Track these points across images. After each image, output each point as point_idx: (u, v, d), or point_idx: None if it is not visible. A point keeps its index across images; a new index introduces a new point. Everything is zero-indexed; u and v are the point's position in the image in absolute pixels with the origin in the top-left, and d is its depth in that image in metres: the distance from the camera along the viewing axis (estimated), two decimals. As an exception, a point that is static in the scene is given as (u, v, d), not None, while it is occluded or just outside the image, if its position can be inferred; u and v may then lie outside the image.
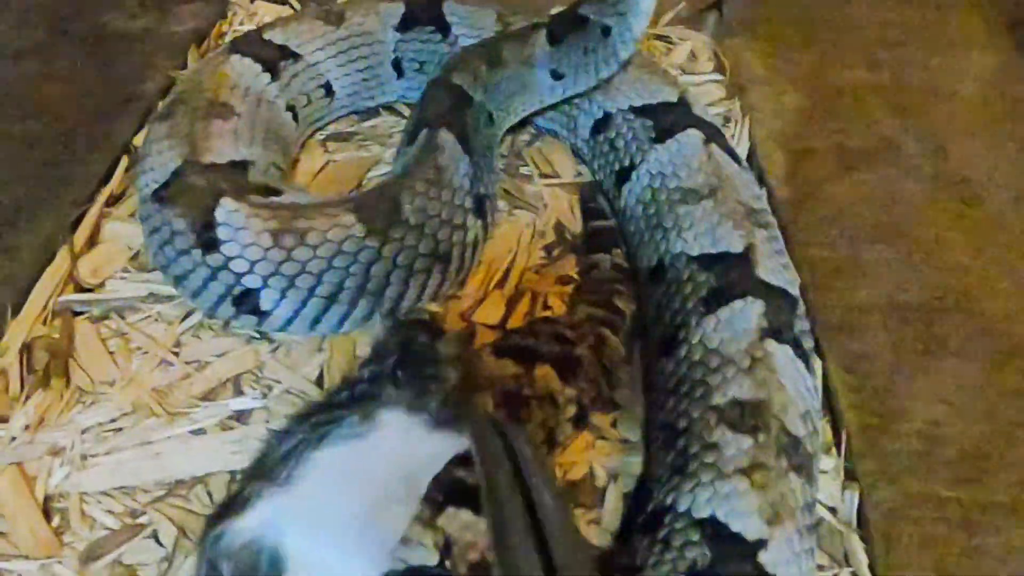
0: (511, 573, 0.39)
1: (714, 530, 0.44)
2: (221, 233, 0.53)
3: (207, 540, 0.40)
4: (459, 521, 0.41)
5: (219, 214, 0.54)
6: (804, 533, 0.47)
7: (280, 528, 0.39)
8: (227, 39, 0.87)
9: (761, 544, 0.44)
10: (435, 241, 0.56)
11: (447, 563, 0.40)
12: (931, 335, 0.66)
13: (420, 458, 0.43)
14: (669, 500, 0.48)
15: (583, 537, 0.51)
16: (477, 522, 0.42)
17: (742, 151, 0.79)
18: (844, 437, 0.58)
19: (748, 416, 0.49)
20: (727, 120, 0.83)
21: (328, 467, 0.43)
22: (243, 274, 0.53)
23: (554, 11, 0.74)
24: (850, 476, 0.56)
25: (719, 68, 0.89)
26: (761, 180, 0.76)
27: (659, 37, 0.93)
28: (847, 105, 0.91)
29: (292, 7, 0.92)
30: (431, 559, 0.40)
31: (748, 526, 0.44)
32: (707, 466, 0.47)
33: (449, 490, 0.42)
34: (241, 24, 0.89)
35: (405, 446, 0.44)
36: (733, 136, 0.80)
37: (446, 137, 0.58)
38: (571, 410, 0.51)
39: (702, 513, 0.45)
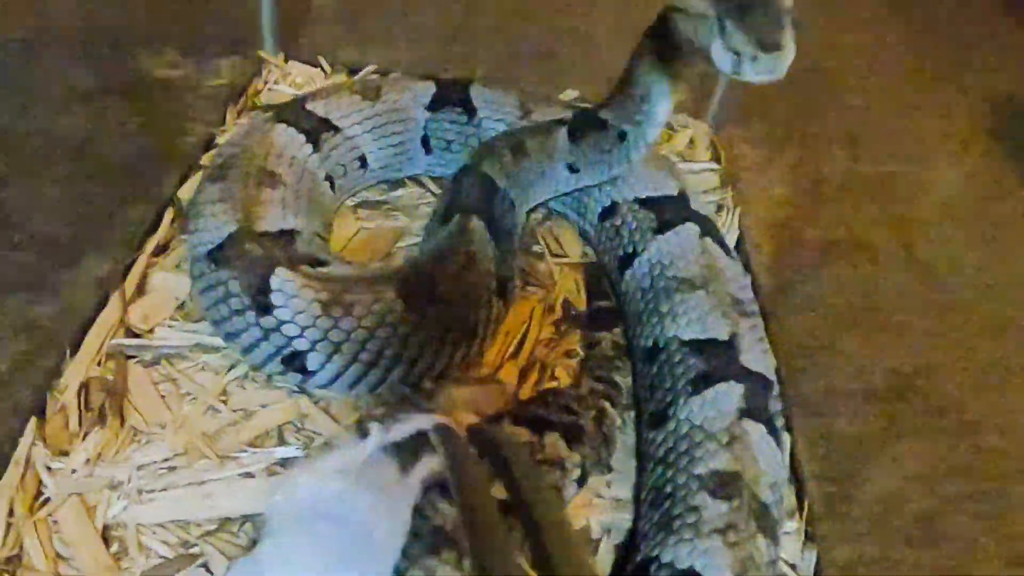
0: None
1: None
2: (275, 299, 0.66)
3: None
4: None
5: (274, 282, 0.66)
6: None
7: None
8: (261, 97, 1.02)
9: None
10: (464, 318, 0.69)
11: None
12: (891, 415, 0.81)
13: (394, 498, 0.56)
14: (655, 552, 0.61)
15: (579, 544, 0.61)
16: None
17: (732, 238, 0.95)
18: (806, 503, 0.72)
19: (725, 485, 0.63)
20: (720, 208, 0.99)
21: (302, 513, 0.56)
22: (294, 337, 0.66)
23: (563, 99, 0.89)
24: (810, 538, 0.70)
25: (716, 157, 1.06)
26: (747, 267, 0.92)
27: (660, 123, 1.09)
28: (831, 196, 1.07)
29: (323, 69, 1.07)
30: None
31: None
32: (689, 525, 0.61)
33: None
34: (276, 83, 1.04)
35: (379, 488, 0.56)
36: (725, 224, 0.96)
37: (477, 224, 0.72)
38: (576, 473, 0.64)
39: (683, 565, 0.58)
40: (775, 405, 0.72)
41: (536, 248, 0.87)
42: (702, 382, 0.70)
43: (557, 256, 0.87)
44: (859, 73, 1.33)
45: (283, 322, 0.66)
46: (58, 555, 0.59)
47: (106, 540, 0.61)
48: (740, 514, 0.61)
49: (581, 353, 0.78)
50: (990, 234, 1.10)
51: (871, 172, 1.15)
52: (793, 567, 0.67)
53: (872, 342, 0.88)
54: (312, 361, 0.67)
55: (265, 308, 0.66)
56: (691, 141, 1.06)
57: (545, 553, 0.49)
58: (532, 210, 0.89)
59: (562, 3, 1.29)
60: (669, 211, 0.83)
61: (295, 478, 0.56)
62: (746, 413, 0.67)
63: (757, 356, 0.73)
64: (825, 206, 1.05)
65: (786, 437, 0.75)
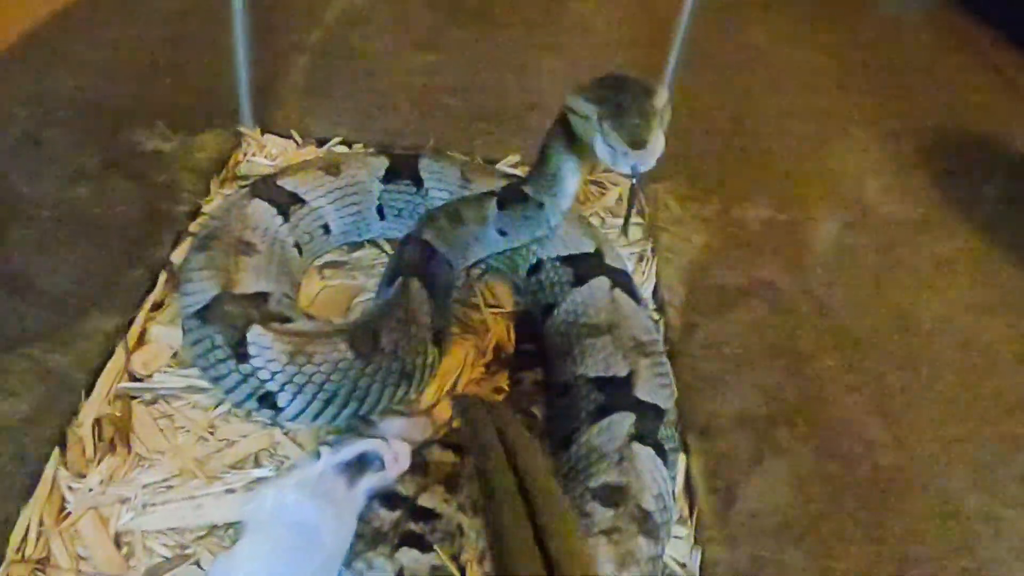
0: (508, 561, 0.55)
1: None
2: (251, 350, 0.85)
3: None
4: (410, 556, 0.72)
5: (250, 336, 0.85)
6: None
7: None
8: (241, 168, 1.22)
9: None
10: (403, 364, 0.88)
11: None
12: (773, 437, 0.99)
13: (341, 506, 0.74)
14: None
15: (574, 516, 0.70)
16: (421, 557, 0.73)
17: (649, 286, 1.14)
18: (696, 512, 0.90)
19: (612, 495, 0.80)
20: (641, 258, 1.18)
21: (268, 518, 0.74)
22: (266, 381, 0.85)
23: (506, 161, 1.08)
24: (698, 541, 0.87)
25: (641, 212, 1.25)
26: (661, 310, 1.11)
27: (594, 182, 1.29)
28: (745, 243, 1.27)
29: (296, 141, 1.27)
30: None
31: (604, 568, 0.75)
32: (583, 527, 0.78)
33: (403, 536, 0.73)
34: (253, 155, 1.24)
35: (329, 499, 0.74)
36: (644, 273, 1.15)
37: (416, 286, 0.91)
38: (492, 486, 0.82)
39: None
40: (665, 431, 0.90)
41: (474, 300, 1.07)
42: (601, 412, 0.88)
43: (492, 307, 1.07)
44: (784, 119, 1.53)
45: (257, 368, 0.85)
46: (79, 557, 0.77)
47: (118, 544, 0.78)
48: (623, 519, 0.79)
49: (507, 390, 0.97)
50: (895, 274, 1.30)
51: (787, 219, 1.36)
52: (683, 566, 0.85)
53: (765, 375, 1.07)
54: (281, 400, 0.85)
55: (243, 357, 0.85)
56: (619, 197, 1.26)
57: (541, 525, 0.57)
58: (472, 266, 1.09)
59: (512, 73, 1.50)
60: (584, 267, 1.02)
61: (264, 491, 0.75)
62: (636, 438, 0.86)
63: (652, 389, 0.92)
64: (737, 252, 1.25)
65: (681, 457, 0.94)
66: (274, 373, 0.85)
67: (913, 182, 1.46)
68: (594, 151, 0.83)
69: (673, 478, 0.89)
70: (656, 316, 1.09)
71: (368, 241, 1.13)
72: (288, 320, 0.90)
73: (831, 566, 0.87)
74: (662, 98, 0.84)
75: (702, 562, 0.85)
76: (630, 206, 1.01)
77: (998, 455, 1.03)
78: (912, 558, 0.89)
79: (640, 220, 1.23)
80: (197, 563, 0.78)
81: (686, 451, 0.94)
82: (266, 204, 1.03)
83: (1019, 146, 1.60)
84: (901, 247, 1.36)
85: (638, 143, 0.77)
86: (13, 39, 1.24)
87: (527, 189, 0.99)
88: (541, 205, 0.99)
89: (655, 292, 1.13)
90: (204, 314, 0.89)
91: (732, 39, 1.57)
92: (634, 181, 0.85)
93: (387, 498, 0.77)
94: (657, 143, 0.79)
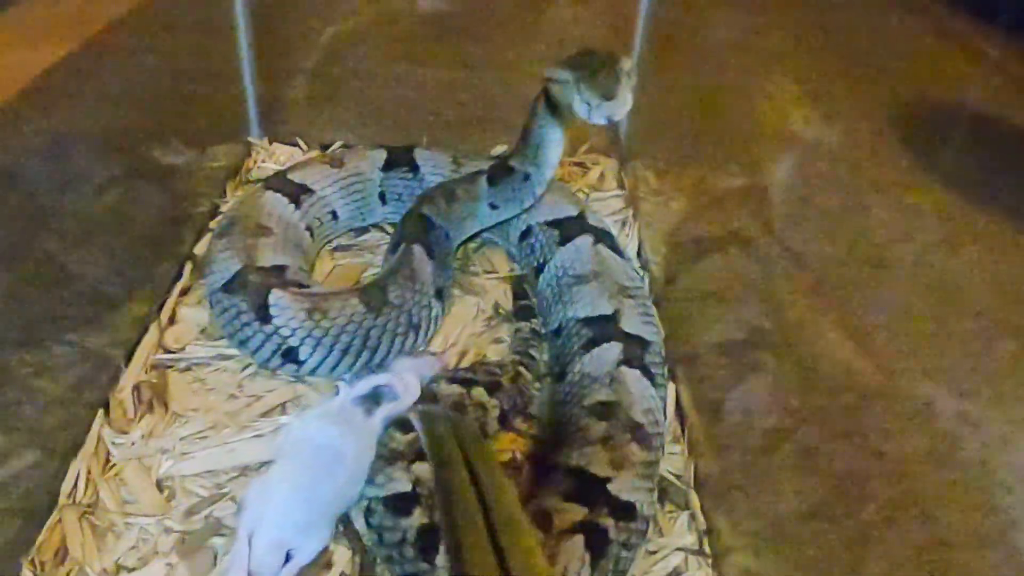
0: (465, 566, 0.57)
1: (579, 474, 0.84)
2: (273, 311, 0.95)
3: None
4: (424, 468, 0.81)
5: (271, 299, 0.96)
6: (641, 477, 0.85)
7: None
8: (253, 173, 1.34)
9: (608, 480, 0.83)
10: (410, 316, 0.98)
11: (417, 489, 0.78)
12: (751, 362, 1.06)
13: (360, 432, 0.83)
14: (556, 460, 0.87)
15: (527, 520, 0.71)
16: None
17: (633, 247, 1.24)
18: (687, 430, 0.98)
19: (605, 410, 0.89)
20: (624, 224, 1.28)
21: (287, 450, 0.83)
22: (288, 337, 0.95)
23: (495, 152, 1.19)
24: (691, 455, 0.95)
25: (621, 185, 1.36)
26: (646, 266, 1.21)
27: (577, 163, 1.40)
28: (718, 203, 1.36)
29: (301, 147, 1.40)
30: (407, 487, 0.78)
31: (600, 470, 0.83)
32: (580, 439, 0.87)
33: (417, 452, 0.81)
34: (264, 162, 1.37)
35: (350, 425, 0.83)
36: (627, 236, 1.26)
37: (417, 250, 1.02)
38: (495, 412, 0.91)
39: (572, 463, 0.84)
40: (651, 358, 0.99)
41: (473, 269, 1.18)
42: (591, 344, 0.98)
43: (489, 273, 1.17)
44: (753, 97, 1.64)
45: (280, 327, 0.95)
46: (124, 501, 0.86)
47: (159, 488, 0.87)
48: (616, 429, 0.88)
49: (507, 339, 1.06)
50: (867, 224, 1.39)
51: (758, 183, 1.45)
52: (679, 477, 0.93)
53: (743, 309, 1.15)
54: (302, 353, 0.95)
55: (266, 319, 0.95)
56: (601, 175, 1.38)
57: (498, 539, 0.59)
58: (469, 240, 1.20)
59: (496, 80, 1.62)
60: (569, 228, 1.13)
61: (289, 424, 0.83)
62: (624, 363, 0.95)
63: (637, 324, 1.01)
64: (711, 212, 1.33)
65: (671, 385, 1.03)
66: (295, 329, 0.95)
67: (881, 146, 1.56)
68: (573, 111, 0.95)
69: (663, 399, 0.98)
70: (641, 271, 1.19)
71: (373, 226, 1.25)
72: (305, 286, 1.00)
73: (813, 465, 0.94)
74: (628, 63, 0.96)
75: (695, 473, 0.94)
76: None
77: (973, 367, 1.10)
78: (892, 456, 0.96)
79: (621, 192, 1.34)
80: (232, 499, 0.87)
81: (675, 381, 1.03)
82: (279, 195, 1.14)
83: (980, 107, 1.70)
84: (871, 201, 1.45)
85: (610, 95, 0.90)
86: (31, 78, 1.37)
87: (513, 163, 1.10)
88: (527, 177, 1.10)
89: (639, 253, 1.23)
90: (229, 286, 1.00)
91: (699, 29, 1.70)
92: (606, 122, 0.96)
93: (402, 423, 0.86)
94: (626, 96, 0.92)
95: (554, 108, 1.03)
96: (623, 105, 0.91)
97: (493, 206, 1.14)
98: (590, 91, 0.91)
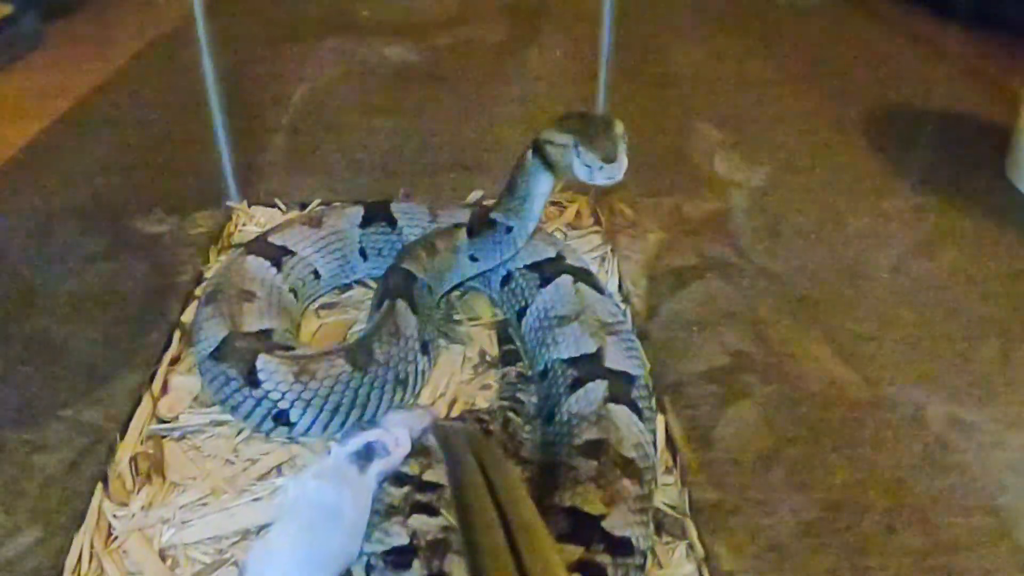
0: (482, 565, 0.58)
1: (573, 513, 0.87)
2: (261, 376, 1.00)
3: None
4: (421, 520, 0.84)
5: (259, 364, 1.00)
6: (635, 511, 0.89)
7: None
8: (235, 237, 1.39)
9: (602, 517, 0.86)
10: (397, 372, 1.03)
11: (415, 542, 0.82)
12: (738, 387, 1.12)
13: (356, 489, 0.87)
14: (553, 501, 0.90)
15: (547, 530, 0.74)
16: (431, 520, 0.85)
17: (613, 282, 1.29)
18: (678, 459, 1.02)
19: (594, 448, 0.93)
20: (603, 260, 1.34)
21: (293, 506, 0.87)
22: (277, 400, 0.99)
23: (470, 200, 1.24)
24: (684, 483, 0.99)
25: (598, 221, 1.42)
26: (627, 300, 1.26)
27: (554, 203, 1.46)
28: (694, 231, 1.42)
29: (280, 209, 1.45)
30: (404, 541, 0.82)
31: (593, 509, 0.87)
32: (571, 479, 0.90)
33: (413, 506, 0.85)
34: (244, 225, 1.42)
35: (345, 483, 0.87)
36: (607, 271, 1.31)
37: (401, 305, 1.07)
38: (487, 459, 0.95)
39: (565, 504, 0.87)
40: (638, 392, 1.03)
41: (456, 317, 1.23)
42: (577, 384, 1.02)
43: (473, 320, 1.23)
44: (716, 120, 1.71)
45: (269, 391, 1.00)
46: (129, 572, 0.89)
47: (163, 558, 0.91)
48: (606, 466, 0.92)
49: (495, 385, 1.10)
50: (841, 236, 1.44)
51: (731, 207, 1.51)
52: (674, 507, 0.97)
53: (726, 335, 1.20)
54: (293, 415, 1.00)
55: (255, 383, 1.00)
56: (578, 212, 1.43)
57: (517, 548, 0.60)
58: (452, 290, 1.25)
59: (468, 124, 1.69)
60: (548, 269, 1.19)
61: (286, 485, 0.87)
62: (610, 399, 0.99)
63: (621, 360, 1.06)
64: (688, 240, 1.40)
65: (660, 418, 1.07)
66: (284, 393, 1.00)
67: (853, 154, 1.63)
68: (570, 171, 1.02)
69: (653, 431, 1.02)
70: (622, 306, 1.24)
71: (356, 282, 1.29)
72: (291, 349, 1.05)
73: (808, 482, 0.99)
74: (620, 126, 1.05)
75: (690, 501, 0.97)
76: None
77: (960, 369, 1.14)
78: (887, 466, 1.00)
79: (598, 228, 1.39)
80: (235, 564, 0.91)
81: (663, 412, 1.07)
82: (260, 259, 1.19)
83: (946, 105, 1.77)
84: (846, 210, 1.51)
85: (610, 158, 0.97)
86: (9, 155, 1.43)
87: (495, 216, 1.16)
88: (509, 229, 1.16)
89: (619, 287, 1.29)
90: (217, 354, 1.04)
91: (660, 60, 1.77)
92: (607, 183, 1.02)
93: (396, 478, 0.90)
94: (624, 158, 1.00)
95: (547, 164, 1.09)
96: (621, 167, 0.99)
97: (473, 258, 1.20)
98: (591, 154, 0.98)
